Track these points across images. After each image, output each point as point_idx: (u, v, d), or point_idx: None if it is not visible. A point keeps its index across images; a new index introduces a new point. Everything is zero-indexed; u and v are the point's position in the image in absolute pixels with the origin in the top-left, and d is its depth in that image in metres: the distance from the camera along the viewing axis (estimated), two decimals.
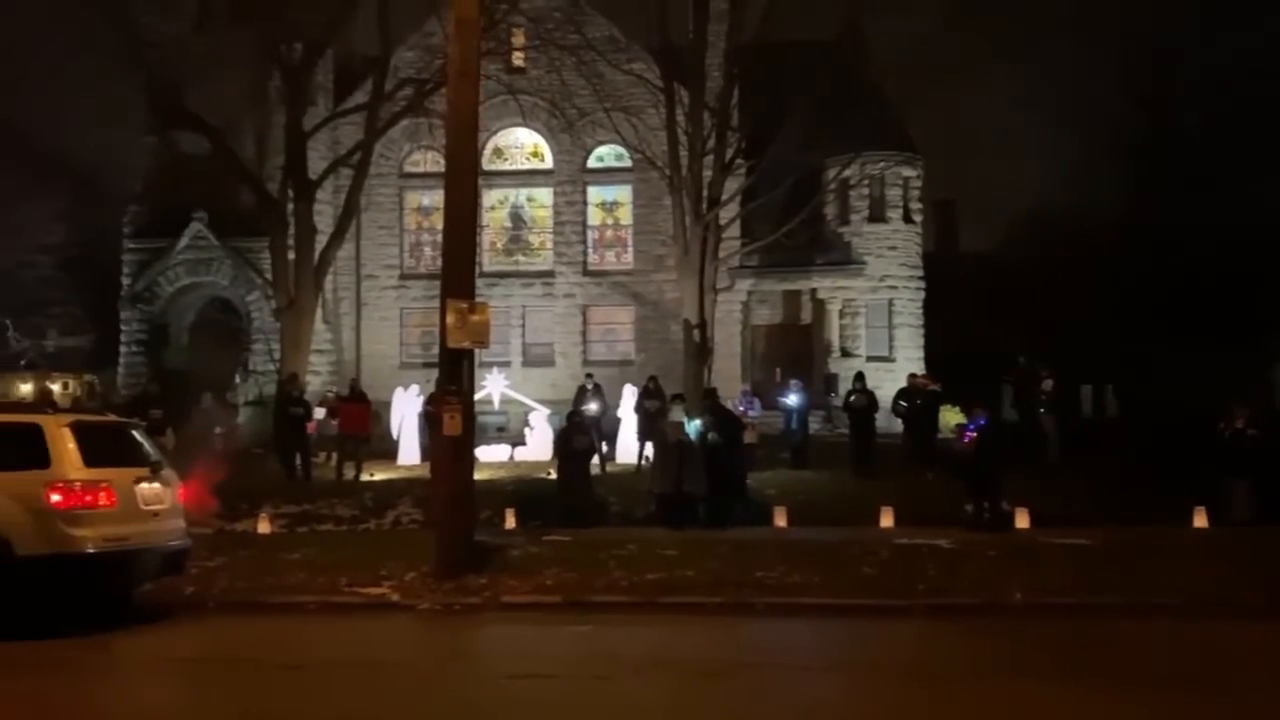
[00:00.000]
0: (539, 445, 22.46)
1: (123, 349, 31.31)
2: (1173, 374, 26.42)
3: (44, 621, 9.31)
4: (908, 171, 30.70)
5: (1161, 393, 24.57)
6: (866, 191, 30.11)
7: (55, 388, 41.82)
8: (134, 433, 10.71)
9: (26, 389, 43.62)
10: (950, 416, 22.72)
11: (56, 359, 39.09)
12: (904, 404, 19.22)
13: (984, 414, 15.50)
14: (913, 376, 20.89)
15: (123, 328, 31.32)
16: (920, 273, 30.89)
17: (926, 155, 31.30)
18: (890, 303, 30.43)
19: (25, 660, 8.59)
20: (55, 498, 9.23)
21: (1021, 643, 9.27)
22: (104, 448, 9.83)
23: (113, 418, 11.22)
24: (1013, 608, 10.39)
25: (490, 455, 21.60)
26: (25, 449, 9.42)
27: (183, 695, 8.10)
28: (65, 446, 9.38)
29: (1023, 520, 14.89)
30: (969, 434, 15.24)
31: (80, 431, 9.62)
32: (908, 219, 30.78)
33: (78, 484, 9.32)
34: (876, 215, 30.46)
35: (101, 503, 9.42)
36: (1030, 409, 19.93)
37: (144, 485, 9.96)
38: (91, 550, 9.32)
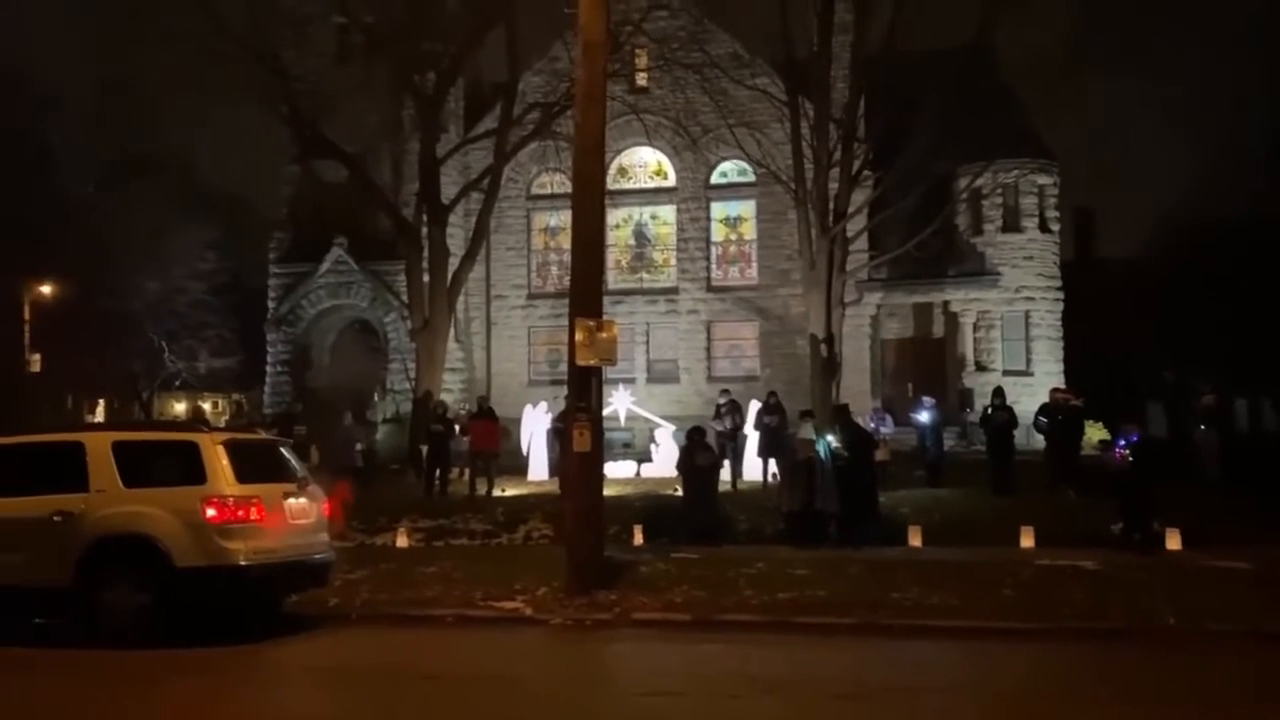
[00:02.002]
0: (665, 462, 22.48)
1: (268, 369, 32.83)
2: None
3: (200, 630, 9.79)
4: (1043, 179, 29.73)
5: None
6: (1000, 200, 29.28)
7: (206, 406, 44.18)
8: (282, 450, 11.19)
9: (180, 408, 46.25)
10: (1093, 432, 21.81)
11: (207, 379, 41.23)
12: (1045, 420, 18.50)
13: (1135, 430, 14.81)
14: (1054, 391, 20.11)
15: (268, 349, 32.86)
16: (1058, 283, 29.83)
17: (1063, 161, 30.27)
18: (1027, 315, 29.47)
19: (184, 666, 9.05)
20: (210, 512, 9.67)
21: (1176, 670, 8.80)
22: (255, 464, 10.27)
23: (264, 435, 11.73)
24: (1165, 633, 9.86)
25: (617, 471, 21.75)
26: (183, 466, 9.91)
27: (329, 702, 8.40)
28: (220, 463, 9.83)
29: (1174, 541, 14.13)
30: (1119, 450, 14.59)
31: (233, 449, 10.08)
32: (1044, 228, 29.79)
33: (231, 499, 9.74)
34: (1011, 224, 29.58)
35: (253, 517, 9.83)
36: (1183, 425, 18.95)
37: (291, 500, 10.37)
38: (243, 562, 9.72)
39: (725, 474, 18.37)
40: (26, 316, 37.66)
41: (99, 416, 40.93)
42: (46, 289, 37.53)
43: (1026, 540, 14.61)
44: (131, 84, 34.00)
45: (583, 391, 11.93)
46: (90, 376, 38.23)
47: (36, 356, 38.40)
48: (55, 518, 9.80)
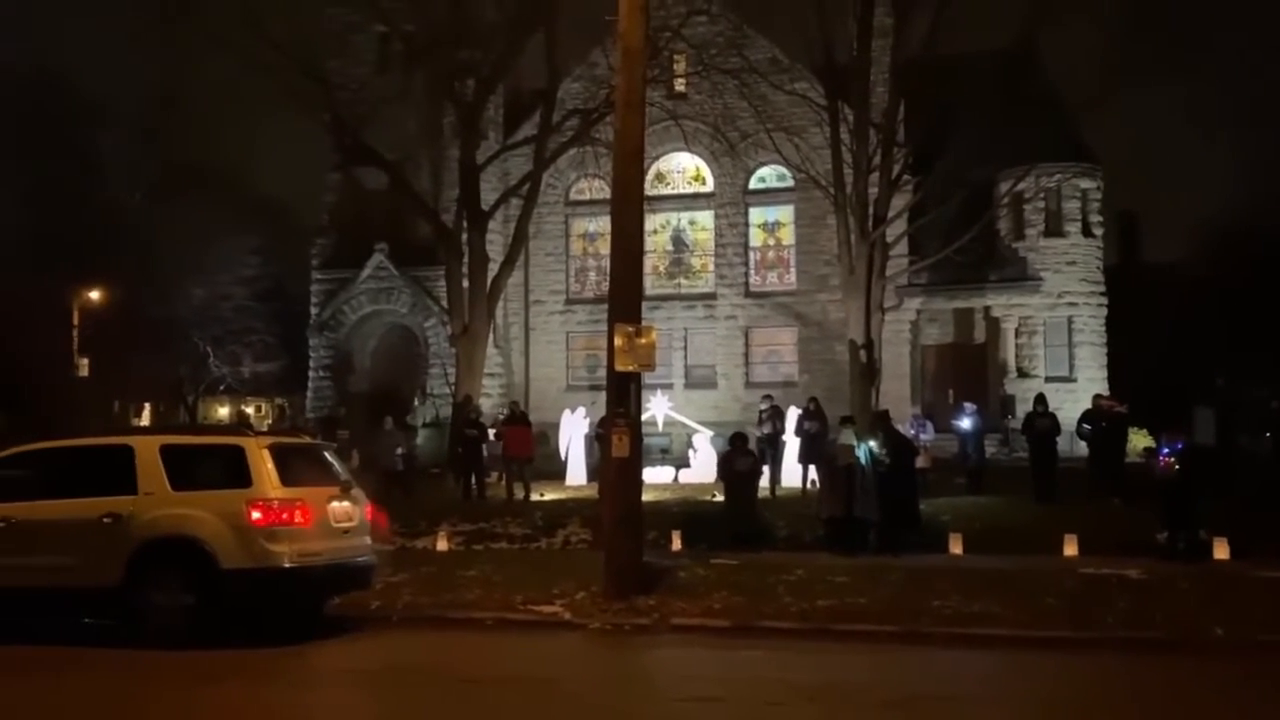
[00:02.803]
0: (703, 467, 22.48)
1: (311, 374, 33.20)
2: None
3: (244, 631, 9.93)
4: (1086, 183, 29.39)
5: None
6: (1042, 205, 28.98)
7: (249, 411, 44.78)
8: (326, 453, 11.32)
9: (224, 412, 46.91)
10: (1138, 440, 21.49)
11: (251, 384, 41.77)
12: (1088, 427, 18.28)
13: (1180, 437, 14.58)
14: (1098, 398, 19.88)
15: (311, 354, 33.24)
16: (1102, 288, 29.46)
17: (1107, 164, 29.88)
18: (1070, 320, 29.12)
19: (229, 667, 9.17)
20: (256, 515, 9.80)
21: (1223, 681, 8.65)
22: (299, 468, 10.40)
23: (308, 439, 11.88)
24: (1212, 644, 9.70)
25: (655, 477, 21.71)
26: (229, 469, 10.05)
27: (373, 705, 8.49)
28: (265, 467, 9.96)
29: (1221, 551, 13.89)
30: (1163, 458, 14.37)
31: (278, 453, 10.21)
32: (1087, 232, 29.44)
33: (276, 502, 9.87)
34: (1053, 229, 29.26)
35: (297, 520, 9.95)
36: (1232, 433, 18.62)
37: (335, 504, 10.48)
38: (287, 565, 9.84)
39: (764, 480, 18.32)
40: (75, 322, 38.42)
41: (145, 420, 41.61)
42: (95, 295, 38.26)
43: (1069, 549, 14.44)
44: (179, 95, 34.61)
45: (622, 397, 11.96)
46: (137, 381, 38.85)
47: (85, 361, 39.14)
48: (105, 519, 9.98)
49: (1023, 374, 28.87)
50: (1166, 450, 14.55)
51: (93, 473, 10.53)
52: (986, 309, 29.85)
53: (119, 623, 10.05)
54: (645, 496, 13.12)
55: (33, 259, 37.01)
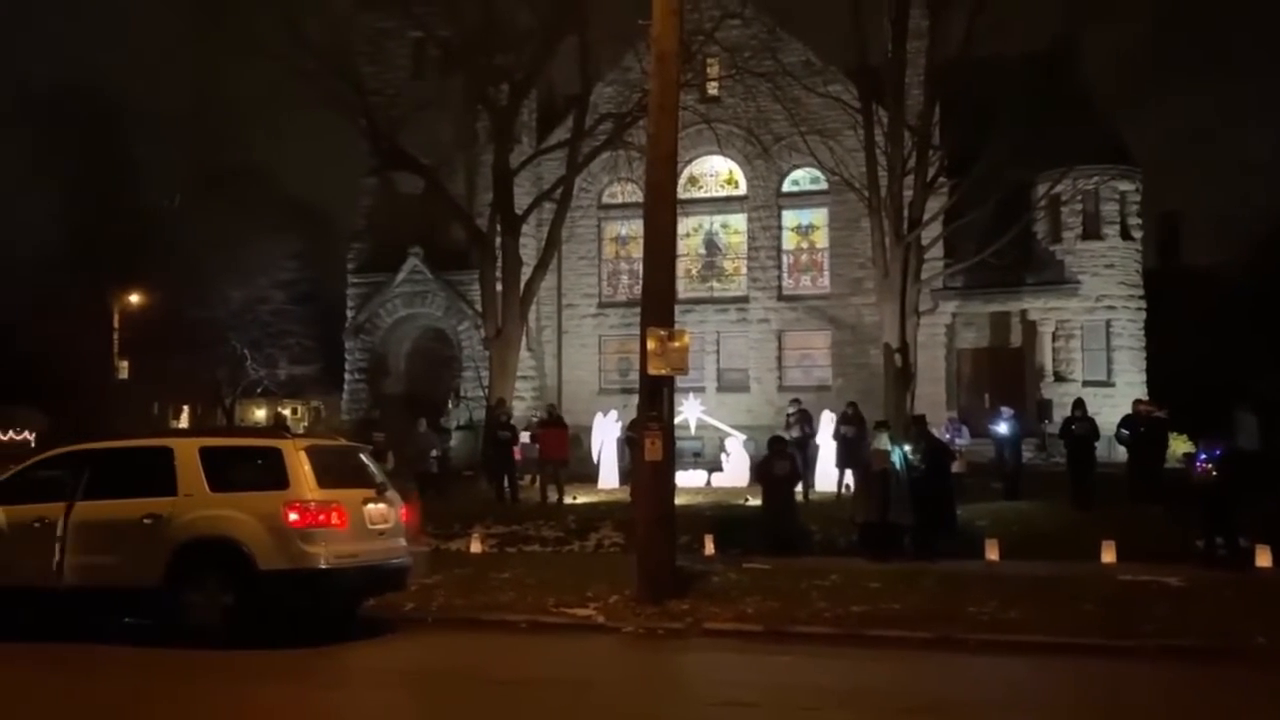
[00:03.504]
0: (736, 471, 22.44)
1: (347, 376, 33.50)
2: None
3: (281, 631, 10.04)
4: (1124, 185, 29.05)
5: None
6: (1080, 207, 28.66)
7: (286, 413, 45.27)
8: (362, 456, 11.42)
9: (260, 414, 47.44)
10: (1177, 445, 21.20)
11: (287, 386, 42.23)
12: (1127, 432, 18.06)
13: (1219, 442, 14.37)
14: (1137, 403, 19.62)
15: (346, 357, 33.54)
16: (1141, 291, 29.09)
17: (1146, 167, 29.51)
18: (1108, 324, 28.79)
19: (267, 668, 9.28)
20: (293, 516, 9.90)
21: (1263, 690, 8.52)
22: (335, 470, 10.50)
23: (344, 442, 11.99)
24: (1252, 653, 9.54)
25: (687, 481, 21.69)
26: (266, 471, 10.17)
27: (411, 705, 8.57)
28: (302, 469, 10.07)
29: (1263, 558, 13.65)
30: (1201, 463, 14.17)
31: (315, 455, 10.32)
32: (1125, 235, 29.09)
33: (313, 504, 9.96)
34: (1091, 232, 28.94)
35: (333, 522, 10.04)
36: (1275, 437, 18.31)
37: (371, 506, 10.58)
38: (324, 566, 9.93)
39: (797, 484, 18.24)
40: (116, 325, 39.06)
41: (183, 422, 42.19)
42: (135, 298, 38.89)
43: (1108, 555, 14.26)
44: (218, 100, 35.06)
45: (654, 400, 11.97)
46: (176, 383, 39.42)
47: (125, 363, 39.79)
48: (145, 520, 10.12)
49: (1059, 378, 28.57)
50: (1205, 455, 14.36)
51: (133, 474, 10.71)
52: (1023, 312, 29.57)
53: (159, 623, 10.19)
54: (678, 500, 13.13)
55: (75, 263, 37.72)
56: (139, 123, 39.23)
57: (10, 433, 35.28)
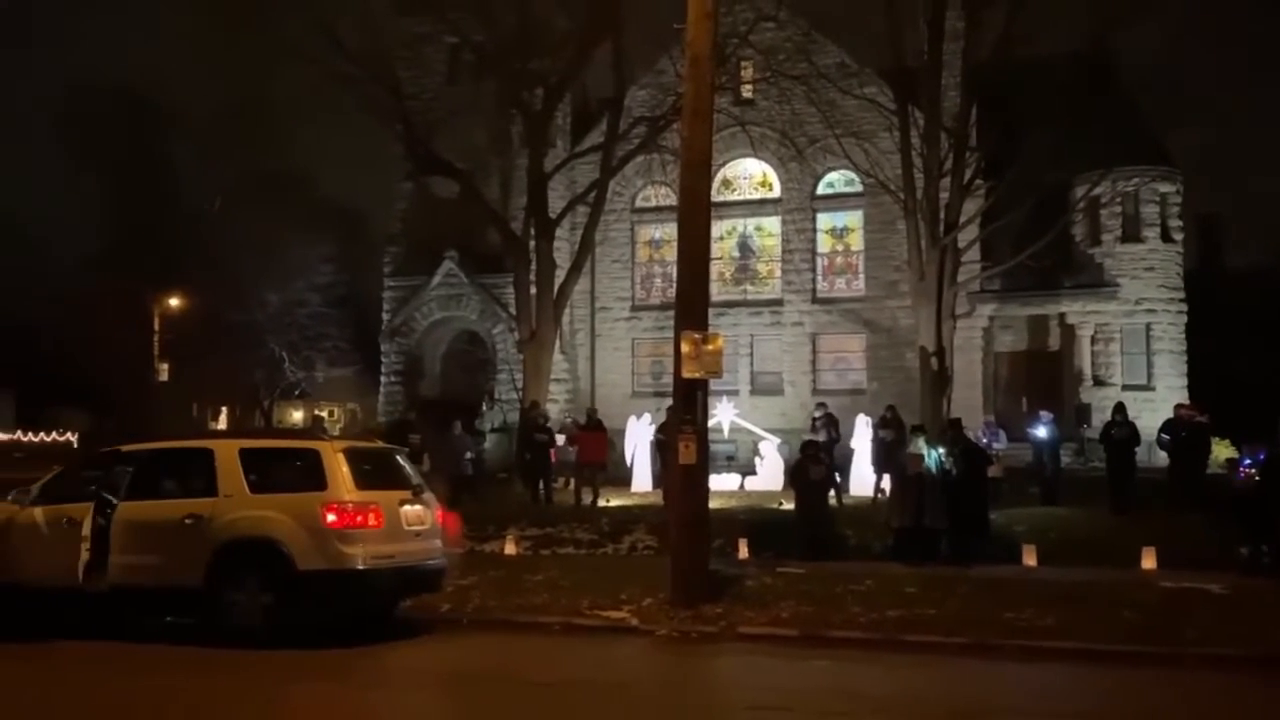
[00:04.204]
0: (770, 475, 22.38)
1: (382, 379, 33.77)
2: None
3: (319, 631, 10.14)
4: (1165, 187, 28.65)
5: None
6: (1119, 209, 28.30)
7: (322, 415, 45.74)
8: (398, 458, 11.51)
9: (297, 416, 47.95)
10: (1220, 450, 20.88)
11: (324, 388, 42.66)
12: (1168, 437, 17.81)
13: (1262, 447, 14.14)
14: (1179, 407, 19.35)
15: (382, 359, 33.81)
16: (1182, 294, 28.67)
17: (1187, 168, 29.09)
18: (1148, 327, 28.40)
19: (306, 668, 9.38)
20: (331, 517, 10.01)
21: None
22: (373, 472, 10.62)
23: (381, 444, 12.10)
24: None
25: (721, 484, 21.69)
26: (305, 472, 10.29)
27: (449, 705, 8.65)
28: (340, 470, 10.18)
29: None
30: (1244, 469, 13.95)
31: (353, 456, 10.43)
32: (1166, 237, 28.69)
33: (350, 505, 10.07)
34: (1131, 234, 28.57)
35: (371, 523, 10.14)
36: None
37: (407, 507, 10.67)
38: (361, 566, 10.03)
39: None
40: (156, 328, 39.66)
41: (221, 424, 42.71)
42: (175, 301, 39.46)
43: (1148, 561, 14.08)
44: (256, 105, 35.52)
45: (688, 404, 11.97)
46: (215, 385, 39.92)
47: (165, 366, 40.38)
48: (187, 520, 10.28)
49: (1099, 382, 28.23)
50: (1248, 461, 14.15)
51: (175, 475, 10.90)
52: (1061, 316, 29.26)
53: (199, 622, 10.32)
54: (712, 504, 13.13)
55: (116, 266, 38.36)
56: (179, 128, 39.84)
57: (54, 434, 35.90)
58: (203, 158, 39.64)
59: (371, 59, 25.46)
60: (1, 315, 43.00)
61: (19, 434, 35.46)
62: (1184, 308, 28.61)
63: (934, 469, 14.93)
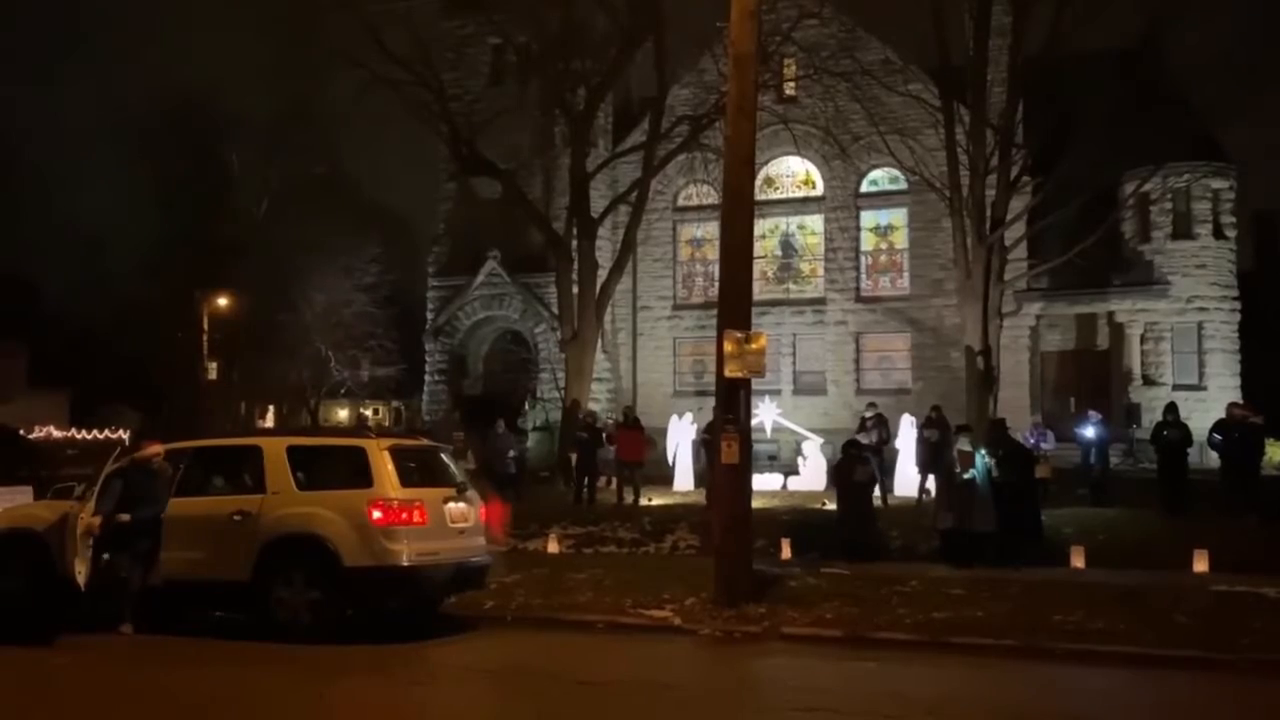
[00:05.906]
0: (812, 475, 22.24)
1: (426, 378, 34.06)
2: None
3: (365, 627, 10.23)
4: (1218, 183, 28.11)
5: None
6: (1170, 206, 27.83)
7: (368, 414, 46.19)
8: (443, 455, 11.60)
9: (343, 414, 48.46)
10: (1274, 451, 20.44)
11: (369, 387, 43.03)
12: (1220, 437, 17.45)
13: None
14: (1232, 407, 18.94)
15: (426, 358, 34.10)
16: (1235, 293, 28.12)
17: (1241, 163, 28.52)
18: (1200, 326, 27.89)
19: (353, 663, 9.47)
20: (376, 514, 10.10)
21: None
22: (418, 469, 10.71)
23: (426, 442, 12.20)
24: None
25: (763, 484, 21.58)
26: (351, 469, 10.40)
27: (496, 702, 8.68)
28: (386, 468, 10.27)
29: None
30: None
31: (398, 454, 10.52)
32: (1219, 234, 28.15)
33: (396, 502, 10.16)
34: (1182, 231, 28.08)
35: (416, 520, 10.22)
36: None
37: (451, 505, 10.74)
38: (406, 563, 10.11)
39: (875, 489, 17.99)
40: (205, 327, 40.29)
41: (269, 422, 43.29)
42: (223, 301, 40.05)
43: (1200, 564, 13.79)
44: (306, 109, 35.97)
45: (731, 403, 11.92)
46: (262, 384, 40.47)
47: (213, 364, 41.02)
48: (235, 517, 10.43)
49: (1149, 382, 27.77)
50: None
51: (224, 472, 11.07)
52: (1110, 314, 28.81)
53: (246, 617, 10.47)
54: (754, 504, 13.07)
55: (167, 267, 39.04)
56: (230, 129, 40.42)
57: (105, 431, 36.60)
58: (255, 161, 40.21)
59: (416, 62, 25.70)
60: (62, 318, 44.00)
61: (73, 432, 36.24)
62: (1237, 306, 28.06)
63: (980, 470, 14.73)
